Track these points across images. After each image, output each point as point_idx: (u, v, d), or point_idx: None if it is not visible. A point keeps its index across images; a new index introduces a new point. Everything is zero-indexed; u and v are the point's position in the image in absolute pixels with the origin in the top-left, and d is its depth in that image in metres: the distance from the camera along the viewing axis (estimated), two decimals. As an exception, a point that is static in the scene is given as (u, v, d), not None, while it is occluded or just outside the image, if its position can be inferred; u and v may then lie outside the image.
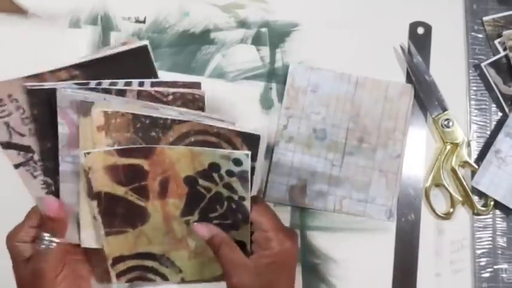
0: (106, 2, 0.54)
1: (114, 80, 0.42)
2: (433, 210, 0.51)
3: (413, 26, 0.54)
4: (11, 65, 0.52)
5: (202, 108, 0.43)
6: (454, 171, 0.51)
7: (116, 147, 0.40)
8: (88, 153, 0.40)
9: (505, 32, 0.52)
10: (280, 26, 0.54)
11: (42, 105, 0.41)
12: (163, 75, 0.53)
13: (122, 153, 0.40)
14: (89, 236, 0.44)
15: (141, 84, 0.43)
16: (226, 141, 0.42)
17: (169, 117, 0.41)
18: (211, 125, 0.41)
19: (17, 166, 0.42)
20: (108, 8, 0.54)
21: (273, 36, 0.54)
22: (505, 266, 0.50)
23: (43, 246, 0.43)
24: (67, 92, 0.40)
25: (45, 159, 0.42)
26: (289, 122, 0.51)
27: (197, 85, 0.44)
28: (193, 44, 0.53)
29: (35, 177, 0.43)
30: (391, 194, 0.50)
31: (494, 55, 0.53)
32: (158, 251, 0.45)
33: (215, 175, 0.42)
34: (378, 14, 0.54)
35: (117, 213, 0.43)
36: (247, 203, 0.43)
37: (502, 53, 0.52)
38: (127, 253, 0.45)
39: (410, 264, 0.50)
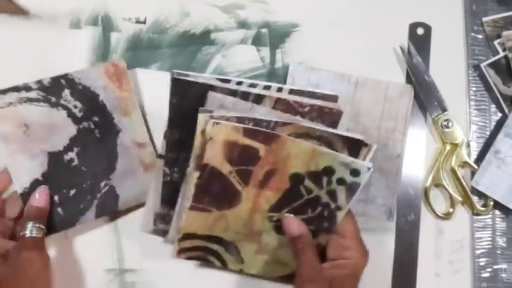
0: (106, 2, 0.54)
1: (253, 82, 0.44)
2: (433, 211, 0.51)
3: (413, 27, 0.54)
4: (12, 65, 0.53)
5: (337, 123, 0.43)
6: (453, 171, 0.51)
7: (244, 125, 0.39)
8: (217, 123, 0.39)
9: (505, 33, 0.52)
10: (280, 26, 0.54)
11: (182, 96, 0.43)
12: (164, 76, 0.53)
13: (247, 132, 0.39)
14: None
15: (279, 89, 0.43)
16: (328, 145, 0.41)
17: (273, 119, 0.40)
18: (314, 128, 0.40)
19: (160, 156, 0.46)
20: (109, 9, 0.54)
21: (273, 36, 0.54)
22: (504, 266, 0.50)
23: (27, 234, 0.43)
24: (218, 96, 0.42)
25: (169, 151, 0.45)
26: None
27: (334, 98, 0.44)
28: (194, 44, 0.54)
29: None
30: (391, 194, 0.50)
31: (493, 56, 0.53)
32: (229, 238, 0.45)
33: (325, 179, 0.41)
34: (377, 14, 0.54)
35: (212, 191, 0.42)
36: (340, 214, 0.42)
37: (502, 54, 0.52)
38: (200, 233, 0.44)
39: (410, 264, 0.50)
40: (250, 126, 0.40)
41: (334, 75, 0.52)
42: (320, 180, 0.41)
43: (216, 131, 0.39)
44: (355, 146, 0.41)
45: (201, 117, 0.40)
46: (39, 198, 0.45)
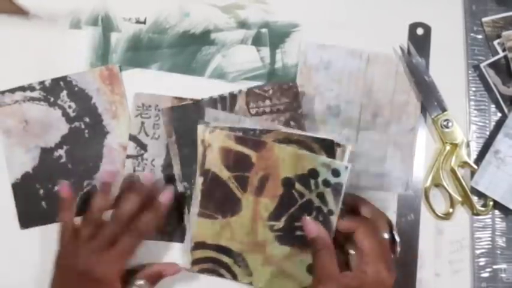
0: (106, 2, 0.54)
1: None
2: (433, 211, 0.51)
3: (413, 27, 0.54)
4: (12, 65, 0.53)
5: (297, 94, 0.50)
6: (453, 171, 0.51)
7: (235, 133, 0.45)
8: (213, 130, 0.45)
9: (504, 33, 0.52)
10: (280, 26, 0.54)
11: (182, 119, 0.50)
12: (164, 76, 0.53)
13: (238, 139, 0.45)
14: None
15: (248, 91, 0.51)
16: (307, 148, 0.44)
17: (257, 127, 0.46)
18: (291, 133, 0.45)
19: (128, 157, 0.51)
20: (109, 9, 0.54)
21: (273, 36, 0.54)
22: (504, 266, 0.50)
23: None
24: (212, 111, 0.49)
25: (183, 166, 0.49)
26: (303, 100, 0.51)
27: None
28: (194, 44, 0.54)
29: (134, 171, 0.51)
30: (407, 166, 0.51)
31: (493, 56, 0.53)
32: (236, 248, 0.47)
33: (312, 182, 0.44)
34: (377, 14, 0.54)
35: (215, 196, 0.46)
36: (334, 219, 0.44)
37: (501, 54, 0.52)
38: (209, 241, 0.47)
39: (410, 264, 0.50)
40: (240, 134, 0.45)
41: (345, 52, 0.52)
42: (308, 183, 0.44)
43: (213, 137, 0.45)
44: (329, 147, 0.44)
45: (200, 128, 0.46)
46: (171, 271, 0.48)
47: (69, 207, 0.46)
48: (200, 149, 0.46)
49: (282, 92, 0.50)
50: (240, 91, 0.50)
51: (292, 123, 0.49)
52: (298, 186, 0.44)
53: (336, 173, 0.43)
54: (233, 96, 0.50)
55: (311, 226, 0.43)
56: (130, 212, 0.45)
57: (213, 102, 0.50)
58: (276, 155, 0.44)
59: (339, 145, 0.44)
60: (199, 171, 0.46)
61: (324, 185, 0.44)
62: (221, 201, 0.46)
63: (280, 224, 0.45)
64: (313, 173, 0.44)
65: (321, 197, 0.44)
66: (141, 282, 0.45)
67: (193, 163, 0.48)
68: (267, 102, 0.50)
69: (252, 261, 0.47)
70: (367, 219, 0.44)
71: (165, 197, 0.47)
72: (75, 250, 0.44)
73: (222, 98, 0.50)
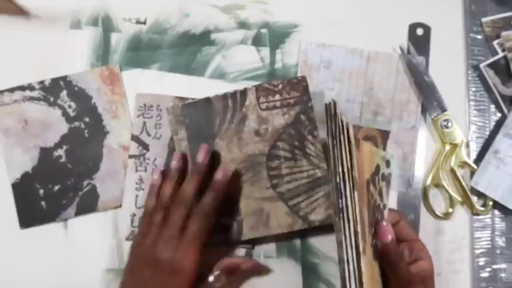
0: (107, 3, 0.54)
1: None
2: (433, 211, 0.51)
3: (413, 27, 0.54)
4: (13, 66, 0.53)
5: (307, 88, 0.49)
6: (453, 171, 0.51)
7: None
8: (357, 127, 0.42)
9: (504, 33, 0.52)
10: (280, 26, 0.54)
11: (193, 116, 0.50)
12: (164, 76, 0.53)
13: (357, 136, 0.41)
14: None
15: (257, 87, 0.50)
16: (375, 144, 0.44)
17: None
18: (370, 129, 0.45)
19: (130, 156, 0.51)
20: (109, 9, 0.54)
21: (273, 37, 0.54)
22: (503, 265, 0.50)
23: (218, 285, 0.45)
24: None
25: (194, 163, 0.48)
26: None
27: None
28: (194, 44, 0.54)
29: (136, 171, 0.50)
30: (408, 165, 0.51)
31: (492, 56, 0.53)
32: None
33: (376, 178, 0.41)
34: (377, 14, 0.54)
35: (364, 218, 0.37)
36: (386, 212, 0.41)
37: (501, 54, 0.52)
38: None
39: (410, 264, 0.50)
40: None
41: (345, 51, 0.53)
42: (375, 181, 0.41)
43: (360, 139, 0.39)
44: (386, 139, 0.45)
45: (351, 123, 0.38)
46: (249, 264, 0.47)
47: (155, 193, 0.46)
48: (352, 150, 0.37)
49: (292, 86, 0.49)
50: (250, 87, 0.50)
51: (302, 117, 0.49)
52: (371, 187, 0.40)
53: (388, 163, 0.42)
54: (243, 92, 0.50)
55: (389, 229, 0.39)
56: (192, 192, 0.44)
57: (224, 98, 0.49)
58: (363, 153, 0.39)
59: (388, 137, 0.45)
60: (355, 183, 0.35)
61: (381, 179, 0.41)
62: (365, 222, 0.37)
63: (371, 236, 0.38)
64: (378, 168, 0.41)
65: (380, 192, 0.41)
66: (217, 272, 0.45)
67: None
68: (277, 96, 0.49)
69: None
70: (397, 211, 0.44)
71: (220, 173, 0.45)
72: (150, 237, 0.43)
73: (233, 93, 0.49)
